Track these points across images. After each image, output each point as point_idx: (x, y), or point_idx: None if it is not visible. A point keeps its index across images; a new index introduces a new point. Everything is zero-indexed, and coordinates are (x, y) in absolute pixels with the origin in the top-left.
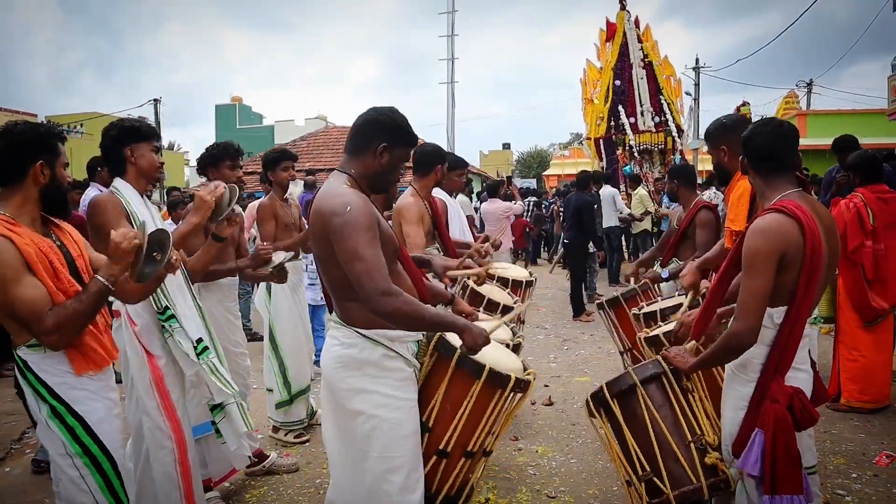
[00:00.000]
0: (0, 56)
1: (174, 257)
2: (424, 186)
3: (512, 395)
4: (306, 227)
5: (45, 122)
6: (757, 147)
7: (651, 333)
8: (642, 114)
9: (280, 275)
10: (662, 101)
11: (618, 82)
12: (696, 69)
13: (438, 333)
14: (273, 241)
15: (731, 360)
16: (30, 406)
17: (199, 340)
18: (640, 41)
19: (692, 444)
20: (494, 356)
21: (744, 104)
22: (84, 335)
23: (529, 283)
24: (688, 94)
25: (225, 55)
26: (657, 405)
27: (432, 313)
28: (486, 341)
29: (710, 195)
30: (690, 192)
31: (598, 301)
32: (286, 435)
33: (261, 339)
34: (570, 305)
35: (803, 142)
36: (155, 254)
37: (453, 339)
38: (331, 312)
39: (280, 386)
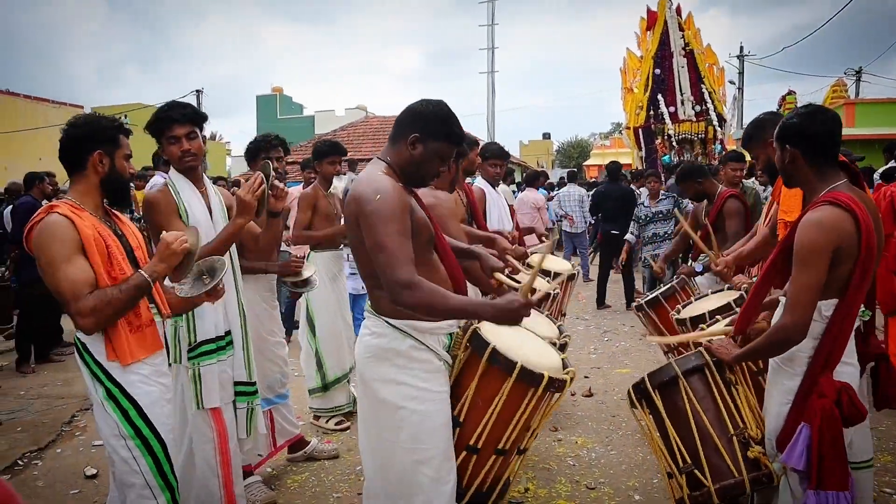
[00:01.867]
0: (48, 50)
1: (220, 286)
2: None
3: (546, 393)
4: None
5: (107, 116)
6: (813, 136)
7: (683, 316)
8: (682, 103)
9: (307, 285)
10: (704, 90)
11: (658, 71)
12: (740, 57)
13: (473, 327)
14: (308, 230)
15: (777, 355)
16: (87, 387)
17: (207, 341)
18: (681, 29)
19: (735, 438)
20: (531, 352)
21: (789, 93)
22: (122, 328)
23: (571, 276)
24: (731, 82)
25: (266, 47)
26: (699, 397)
27: (457, 302)
28: (526, 312)
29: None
30: (711, 183)
31: (636, 303)
32: (327, 422)
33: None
34: (623, 296)
35: (852, 131)
36: (204, 277)
37: (489, 331)
38: None
39: (314, 373)
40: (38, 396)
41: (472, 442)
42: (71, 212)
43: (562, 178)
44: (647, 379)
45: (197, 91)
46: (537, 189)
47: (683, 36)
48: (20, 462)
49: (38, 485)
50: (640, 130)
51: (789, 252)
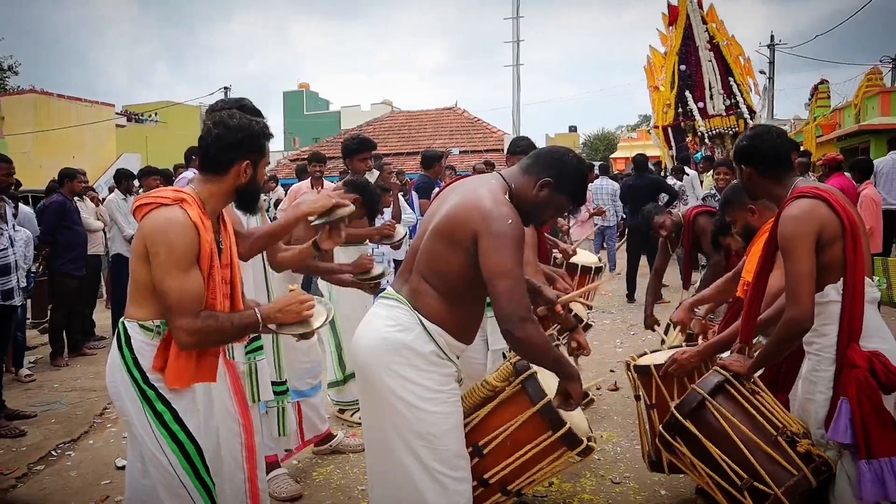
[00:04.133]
0: (79, 49)
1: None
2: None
3: (575, 456)
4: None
5: (258, 120)
6: (762, 154)
7: (640, 362)
8: (712, 97)
9: (375, 287)
10: (732, 83)
11: (683, 67)
12: (771, 46)
13: (532, 370)
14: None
15: (791, 348)
16: (113, 380)
17: (256, 338)
18: (704, 22)
19: (780, 438)
20: (571, 413)
21: (822, 83)
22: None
23: (599, 269)
24: (762, 72)
25: (293, 43)
26: (731, 412)
27: (557, 354)
28: (578, 403)
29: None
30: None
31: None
32: (352, 416)
33: None
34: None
35: (889, 120)
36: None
37: (544, 380)
38: None
39: (335, 364)
40: (71, 389)
41: (486, 476)
42: (199, 216)
43: (603, 164)
44: (675, 412)
45: (225, 88)
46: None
47: (707, 29)
48: (54, 453)
49: (72, 475)
50: (669, 129)
51: (774, 251)
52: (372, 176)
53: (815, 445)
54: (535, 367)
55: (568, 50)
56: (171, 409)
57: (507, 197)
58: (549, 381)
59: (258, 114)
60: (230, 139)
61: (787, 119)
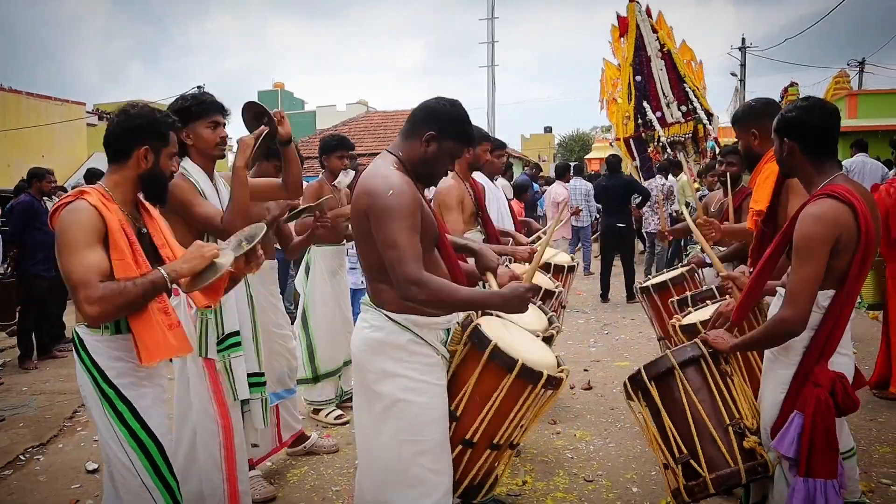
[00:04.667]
0: (50, 46)
1: (260, 254)
2: (461, 169)
3: (543, 391)
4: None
5: (162, 110)
6: (811, 129)
7: (685, 322)
8: (668, 105)
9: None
10: (687, 89)
11: (638, 77)
12: (743, 49)
13: (473, 323)
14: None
15: (775, 347)
16: (80, 383)
17: (232, 334)
18: (654, 31)
19: (730, 428)
20: (528, 349)
21: (792, 84)
22: (159, 323)
23: (571, 268)
24: (733, 74)
25: (269, 42)
26: (695, 388)
27: (465, 295)
28: (526, 305)
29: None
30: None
31: (641, 284)
32: (326, 416)
33: None
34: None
35: (854, 123)
36: (243, 243)
37: (489, 328)
38: None
39: (305, 363)
40: (40, 392)
41: (468, 436)
42: (100, 201)
43: (578, 165)
44: (643, 370)
45: (198, 87)
46: (567, 182)
47: (658, 37)
48: (22, 457)
49: (40, 479)
50: (630, 140)
51: (786, 244)
52: (347, 176)
53: (761, 445)
54: (479, 320)
55: (543, 50)
56: (131, 406)
57: (394, 168)
58: (496, 327)
59: (220, 106)
60: (128, 125)
61: None
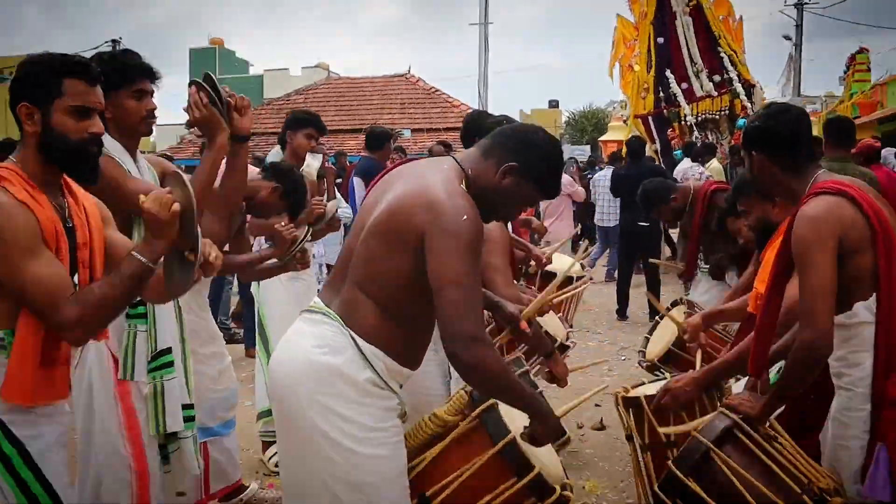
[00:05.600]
0: None
1: (212, 255)
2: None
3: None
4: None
5: (59, 54)
6: (778, 136)
7: (630, 394)
8: (696, 75)
9: (303, 257)
10: (721, 54)
11: (661, 39)
12: (799, 6)
13: (490, 401)
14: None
15: (810, 379)
16: None
17: (165, 352)
18: None
19: (805, 498)
20: (542, 451)
21: (861, 51)
22: (31, 357)
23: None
24: (787, 38)
25: None
26: (744, 466)
27: (521, 386)
28: (557, 437)
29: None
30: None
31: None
32: (269, 459)
33: (240, 341)
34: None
35: None
36: (187, 253)
37: (508, 411)
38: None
39: (266, 389)
40: None
41: None
42: (26, 194)
43: (591, 157)
44: (673, 467)
45: (113, 41)
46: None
47: None
48: None
49: None
50: (650, 118)
51: (788, 258)
52: (317, 160)
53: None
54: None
55: (549, 5)
56: (23, 450)
57: (462, 186)
58: (513, 415)
59: (149, 70)
60: (12, 85)
61: (817, 96)
